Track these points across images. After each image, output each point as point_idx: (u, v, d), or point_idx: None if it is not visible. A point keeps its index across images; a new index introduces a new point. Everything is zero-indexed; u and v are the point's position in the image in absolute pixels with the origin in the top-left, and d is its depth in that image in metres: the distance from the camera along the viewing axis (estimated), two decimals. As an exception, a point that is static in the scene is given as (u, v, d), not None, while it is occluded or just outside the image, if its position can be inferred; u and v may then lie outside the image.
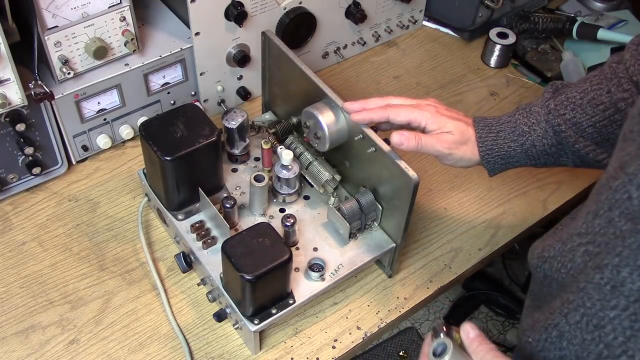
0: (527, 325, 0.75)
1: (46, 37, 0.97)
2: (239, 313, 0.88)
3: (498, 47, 1.32)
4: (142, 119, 1.12)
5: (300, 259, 0.95)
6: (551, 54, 1.35)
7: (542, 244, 0.76)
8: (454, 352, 0.69)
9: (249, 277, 0.82)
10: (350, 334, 0.95)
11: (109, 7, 1.00)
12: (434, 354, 0.70)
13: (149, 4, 1.16)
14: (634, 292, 0.60)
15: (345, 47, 1.31)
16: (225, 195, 0.99)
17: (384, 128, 0.95)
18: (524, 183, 1.15)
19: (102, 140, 1.11)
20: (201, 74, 1.13)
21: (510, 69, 1.35)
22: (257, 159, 1.06)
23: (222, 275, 0.90)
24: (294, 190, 1.00)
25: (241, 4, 1.07)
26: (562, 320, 0.68)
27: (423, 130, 0.92)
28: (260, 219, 0.98)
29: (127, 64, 1.06)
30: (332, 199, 1.01)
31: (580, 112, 0.87)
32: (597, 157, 0.88)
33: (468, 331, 0.71)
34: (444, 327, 0.71)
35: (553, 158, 0.90)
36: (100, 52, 1.02)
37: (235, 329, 0.94)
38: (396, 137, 0.88)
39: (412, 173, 0.86)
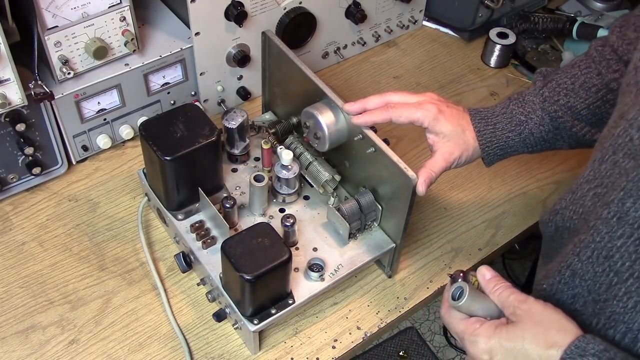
0: (541, 276, 0.80)
1: (46, 37, 0.97)
2: (239, 313, 0.88)
3: (498, 47, 1.32)
4: (142, 119, 1.12)
5: (300, 259, 0.95)
6: (551, 54, 1.35)
7: (552, 205, 0.82)
8: (472, 294, 0.74)
9: (248, 277, 0.82)
10: (350, 334, 0.95)
11: (109, 7, 1.00)
12: (453, 298, 0.74)
13: (149, 4, 1.16)
14: (638, 219, 0.66)
15: (345, 47, 1.31)
16: (225, 195, 0.99)
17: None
18: (524, 183, 1.15)
19: (102, 140, 1.11)
20: (201, 74, 1.13)
21: (510, 69, 1.35)
22: (257, 159, 1.06)
23: (221, 275, 0.90)
24: (293, 190, 1.00)
25: (241, 4, 1.07)
26: (574, 259, 0.73)
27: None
28: (260, 219, 0.98)
29: (127, 64, 1.06)
30: (332, 199, 1.01)
31: (574, 97, 0.90)
32: (593, 137, 0.90)
33: (484, 274, 0.76)
34: (462, 273, 0.76)
35: (549, 143, 0.93)
36: (100, 52, 1.02)
37: (235, 329, 0.94)
38: (420, 187, 0.88)
39: (411, 173, 0.86)
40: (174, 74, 1.12)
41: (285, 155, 0.97)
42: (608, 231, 0.69)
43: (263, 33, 1.03)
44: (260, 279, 0.83)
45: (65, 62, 1.00)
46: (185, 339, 0.93)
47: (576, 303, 0.73)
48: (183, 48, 1.09)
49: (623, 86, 0.75)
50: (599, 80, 0.89)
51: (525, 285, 2.02)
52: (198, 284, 0.98)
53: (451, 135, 0.91)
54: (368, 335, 0.96)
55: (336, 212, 0.94)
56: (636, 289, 0.66)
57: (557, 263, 0.76)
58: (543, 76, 0.94)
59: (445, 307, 0.77)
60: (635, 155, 0.68)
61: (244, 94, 1.20)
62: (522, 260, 2.09)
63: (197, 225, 0.96)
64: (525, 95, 0.93)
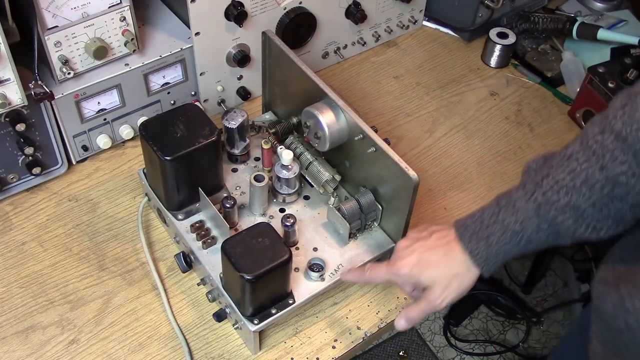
0: None
1: (46, 37, 0.97)
2: (239, 313, 0.88)
3: (498, 47, 1.32)
4: (142, 119, 1.12)
5: (300, 259, 0.95)
6: (551, 54, 1.35)
7: (616, 290, 0.75)
8: None
9: (248, 277, 0.82)
10: (350, 334, 0.95)
11: (109, 7, 1.00)
12: None
13: (149, 4, 1.16)
14: None
15: (345, 47, 1.31)
16: (225, 195, 0.99)
17: None
18: (524, 183, 1.15)
19: (102, 140, 1.11)
20: (201, 74, 1.13)
21: (510, 69, 1.35)
22: (257, 159, 1.06)
23: (221, 275, 0.90)
24: (294, 190, 1.00)
25: (241, 4, 1.07)
26: None
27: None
28: (260, 219, 0.98)
29: (127, 64, 1.06)
30: (332, 199, 1.01)
31: (576, 195, 0.77)
32: (599, 235, 0.79)
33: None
34: None
35: (550, 244, 0.83)
36: (100, 52, 1.02)
37: (235, 329, 0.94)
38: (398, 324, 0.88)
39: (412, 173, 0.86)
40: (174, 74, 1.12)
41: (286, 155, 0.97)
42: None
43: (263, 33, 1.03)
44: (260, 279, 0.83)
45: (65, 62, 1.00)
46: (185, 339, 0.93)
47: None
48: (183, 48, 1.09)
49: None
50: (602, 176, 0.75)
51: (525, 285, 2.03)
52: (198, 284, 0.98)
53: (433, 279, 0.85)
54: (368, 335, 0.96)
55: (336, 212, 0.94)
56: None
57: None
58: (534, 171, 0.82)
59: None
60: None
61: (244, 94, 1.20)
62: (522, 260, 2.09)
63: (197, 225, 0.96)
64: (515, 200, 0.81)
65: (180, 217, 0.98)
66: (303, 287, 0.92)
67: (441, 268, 0.84)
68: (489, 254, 0.82)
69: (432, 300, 0.85)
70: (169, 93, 1.13)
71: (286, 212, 1.00)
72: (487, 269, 0.83)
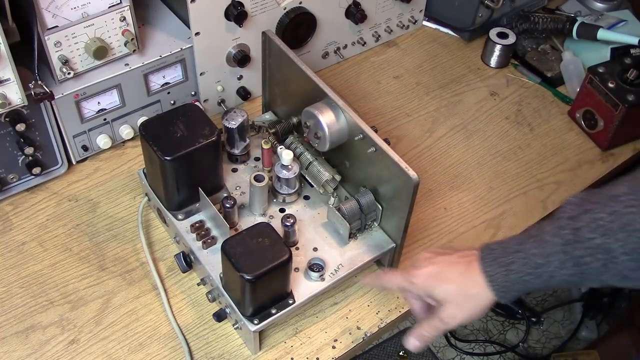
0: None
1: (46, 37, 0.97)
2: (239, 313, 0.88)
3: (498, 47, 1.32)
4: (142, 119, 1.12)
5: (300, 259, 0.95)
6: (551, 54, 1.35)
7: None
8: None
9: (248, 277, 0.82)
10: (350, 334, 0.95)
11: (109, 7, 1.00)
12: None
13: (149, 4, 1.16)
14: None
15: (345, 47, 1.31)
16: (225, 195, 0.99)
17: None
18: (524, 183, 1.15)
19: (102, 140, 1.11)
20: (201, 74, 1.13)
21: (510, 69, 1.35)
22: (257, 159, 1.06)
23: (222, 275, 0.90)
24: (294, 190, 1.00)
25: (241, 4, 1.07)
26: None
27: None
28: (260, 219, 0.98)
29: (127, 64, 1.06)
30: (332, 199, 1.01)
31: (612, 238, 0.72)
32: (630, 285, 0.76)
33: None
34: None
35: (575, 284, 0.81)
36: (100, 52, 1.02)
37: (235, 329, 0.94)
38: (410, 344, 0.85)
39: (412, 173, 0.86)
40: (174, 74, 1.12)
41: (286, 155, 0.97)
42: None
43: (263, 33, 1.03)
44: (260, 279, 0.83)
45: (65, 62, 1.00)
46: (185, 339, 0.93)
47: None
48: (183, 48, 1.09)
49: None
50: None
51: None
52: (198, 284, 0.98)
53: (447, 297, 0.82)
54: (368, 335, 0.96)
55: (336, 212, 0.94)
56: None
57: None
58: (571, 206, 0.77)
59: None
60: None
61: (244, 94, 1.20)
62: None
63: (197, 225, 0.96)
64: (545, 233, 0.77)
65: (180, 217, 0.98)
66: (303, 287, 0.92)
67: (457, 285, 0.82)
68: (506, 282, 0.79)
69: (444, 317, 0.82)
70: (169, 93, 1.13)
71: (286, 212, 1.00)
72: (503, 296, 0.80)
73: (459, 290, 0.82)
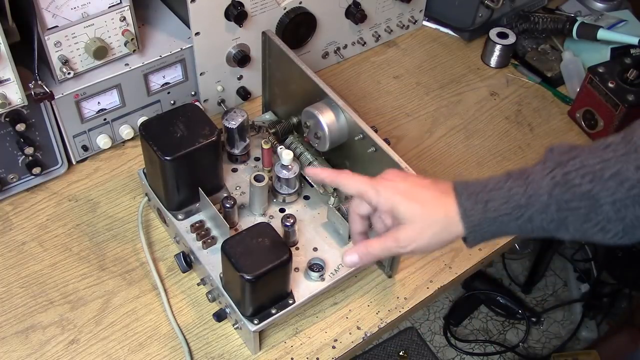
0: None
1: (46, 37, 0.97)
2: (239, 313, 0.88)
3: (498, 47, 1.32)
4: (142, 119, 1.12)
5: (300, 259, 0.95)
6: (551, 54, 1.35)
7: None
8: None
9: (248, 277, 0.82)
10: (350, 334, 0.95)
11: (109, 7, 1.00)
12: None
13: (149, 4, 1.16)
14: None
15: (345, 47, 1.31)
16: (225, 195, 0.99)
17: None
18: (524, 183, 1.15)
19: (102, 140, 1.11)
20: (201, 74, 1.13)
21: (510, 69, 1.35)
22: (257, 159, 1.06)
23: (221, 275, 0.90)
24: (294, 190, 1.00)
25: (241, 4, 1.07)
26: None
27: (375, 209, 0.81)
28: (260, 219, 0.98)
29: (127, 64, 1.06)
30: (332, 199, 1.01)
31: (600, 186, 0.70)
32: (604, 239, 0.73)
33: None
34: None
35: (549, 233, 0.75)
36: (100, 52, 1.02)
37: (235, 329, 0.94)
38: (348, 258, 0.79)
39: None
40: (174, 74, 1.12)
41: (286, 155, 0.97)
42: None
43: (263, 33, 1.03)
44: (260, 279, 0.83)
45: (65, 62, 1.00)
46: (185, 339, 0.93)
47: None
48: (183, 48, 1.09)
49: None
50: (636, 176, 0.69)
51: (525, 285, 2.03)
52: (198, 284, 0.98)
53: (406, 214, 0.76)
54: (368, 335, 0.96)
55: (336, 212, 0.94)
56: None
57: None
58: (559, 151, 0.74)
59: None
60: None
61: (244, 94, 1.20)
62: (522, 260, 2.09)
63: (197, 225, 0.96)
64: (529, 174, 0.74)
65: (180, 217, 0.98)
66: (303, 287, 0.92)
67: (425, 208, 0.75)
68: (482, 220, 0.74)
69: (400, 238, 0.76)
70: (169, 93, 1.13)
71: (286, 212, 1.00)
72: (473, 236, 0.75)
73: (427, 213, 0.75)
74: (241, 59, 1.13)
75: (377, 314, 0.98)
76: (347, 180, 0.80)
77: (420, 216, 0.75)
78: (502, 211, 0.73)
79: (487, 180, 0.76)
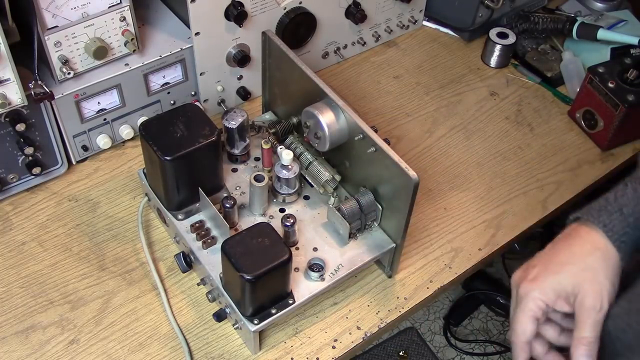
0: None
1: (46, 37, 0.97)
2: (239, 313, 0.88)
3: (498, 47, 1.32)
4: (142, 119, 1.12)
5: (300, 259, 0.95)
6: (551, 54, 1.35)
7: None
8: None
9: (248, 277, 0.82)
10: (350, 334, 0.95)
11: (109, 7, 1.00)
12: None
13: (149, 4, 1.16)
14: None
15: (345, 47, 1.31)
16: (225, 195, 0.99)
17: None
18: (524, 183, 1.15)
19: (102, 140, 1.11)
20: (201, 74, 1.13)
21: (510, 69, 1.35)
22: (257, 159, 1.06)
23: (221, 275, 0.90)
24: (294, 190, 1.00)
25: (241, 4, 1.07)
26: None
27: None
28: (260, 219, 0.98)
29: (127, 64, 1.06)
30: (332, 199, 1.01)
31: None
32: None
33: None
34: None
35: None
36: (100, 52, 1.02)
37: (235, 329, 0.94)
38: None
39: (412, 173, 0.86)
40: (174, 74, 1.12)
41: (286, 155, 0.97)
42: None
43: (263, 33, 1.03)
44: (260, 279, 0.83)
45: (65, 62, 1.00)
46: (185, 339, 0.93)
47: None
48: (183, 48, 1.09)
49: None
50: None
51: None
52: (198, 284, 0.98)
53: (570, 283, 0.68)
54: (368, 335, 0.96)
55: (336, 212, 0.94)
56: None
57: None
58: None
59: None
60: None
61: (244, 94, 1.20)
62: (522, 260, 2.08)
63: (197, 225, 0.96)
64: None
65: (180, 217, 0.98)
66: (303, 287, 0.92)
67: (575, 264, 0.68)
68: (626, 226, 0.68)
69: (589, 307, 0.67)
70: (169, 93, 1.13)
71: (286, 212, 1.00)
72: (624, 248, 0.68)
73: (581, 267, 0.68)
74: (241, 59, 1.13)
75: (377, 314, 0.98)
76: (522, 327, 0.71)
77: (580, 273, 0.68)
78: (638, 212, 0.68)
79: (604, 197, 0.71)
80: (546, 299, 0.69)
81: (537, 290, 0.69)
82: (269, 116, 1.13)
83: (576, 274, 0.68)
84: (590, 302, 0.66)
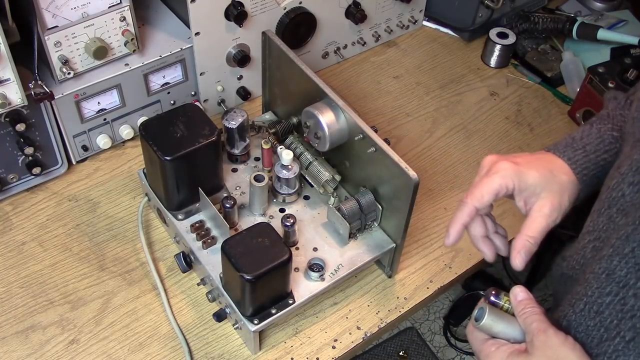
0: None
1: (46, 37, 0.97)
2: (239, 313, 0.88)
3: (498, 47, 1.32)
4: (142, 119, 1.12)
5: (300, 259, 0.95)
6: (551, 54, 1.35)
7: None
8: (494, 316, 0.72)
9: (248, 277, 0.82)
10: (350, 334, 0.95)
11: (109, 7, 1.00)
12: (475, 320, 0.72)
13: (149, 4, 1.16)
14: (622, 278, 0.65)
15: (345, 47, 1.31)
16: (225, 195, 0.99)
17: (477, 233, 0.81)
18: (524, 183, 1.15)
19: (102, 140, 1.11)
20: (201, 74, 1.13)
21: (510, 69, 1.35)
22: (257, 159, 1.06)
23: (221, 275, 0.90)
24: (294, 190, 1.00)
25: (241, 4, 1.07)
26: (569, 310, 0.71)
27: (512, 193, 0.78)
28: (260, 219, 0.98)
29: (127, 64, 1.06)
30: (332, 199, 1.01)
31: None
32: None
33: (516, 294, 0.72)
34: (493, 291, 0.73)
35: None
36: (100, 52, 1.02)
37: (235, 329, 0.94)
38: (518, 260, 0.76)
39: (412, 173, 0.86)
40: (174, 74, 1.12)
41: (286, 155, 0.97)
42: (598, 286, 0.67)
43: (263, 33, 1.03)
44: (260, 279, 0.83)
45: (65, 62, 1.00)
46: (185, 339, 0.93)
47: None
48: (183, 48, 1.09)
49: (624, 132, 0.70)
50: None
51: (525, 285, 2.03)
52: (198, 284, 0.98)
53: (541, 183, 0.76)
54: (368, 335, 0.96)
55: (336, 212, 0.94)
56: (622, 348, 0.65)
57: (559, 311, 0.74)
58: (625, 98, 0.78)
59: (470, 326, 0.74)
60: (627, 211, 0.65)
61: (244, 94, 1.20)
62: (522, 260, 2.08)
63: (197, 225, 0.96)
64: (609, 111, 0.78)
65: (180, 217, 0.98)
66: (303, 287, 0.92)
67: (545, 170, 0.75)
68: (587, 162, 0.76)
69: (546, 214, 0.75)
70: (169, 93, 1.13)
71: (286, 212, 1.00)
72: (585, 181, 0.76)
73: (549, 175, 0.76)
74: (241, 59, 1.13)
75: (377, 314, 0.98)
76: (478, 197, 0.77)
77: (547, 179, 0.76)
78: (601, 150, 0.76)
79: (570, 135, 0.80)
80: (517, 184, 0.76)
81: (515, 173, 0.75)
82: (269, 116, 1.13)
83: (550, 182, 0.75)
84: (548, 211, 0.75)
